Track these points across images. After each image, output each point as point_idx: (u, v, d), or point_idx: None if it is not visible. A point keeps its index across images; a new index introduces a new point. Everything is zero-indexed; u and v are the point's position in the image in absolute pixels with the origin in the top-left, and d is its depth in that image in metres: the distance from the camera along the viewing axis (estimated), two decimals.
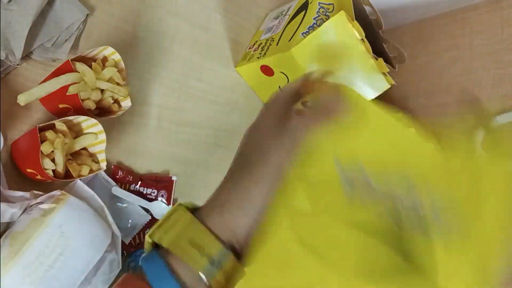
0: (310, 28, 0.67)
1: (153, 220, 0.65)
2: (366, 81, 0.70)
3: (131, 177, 0.64)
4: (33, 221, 0.48)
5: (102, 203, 0.55)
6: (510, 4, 0.87)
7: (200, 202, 0.76)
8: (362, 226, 0.40)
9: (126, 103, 0.59)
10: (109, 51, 0.56)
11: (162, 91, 0.70)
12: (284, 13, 0.78)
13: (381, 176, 0.41)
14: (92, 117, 0.54)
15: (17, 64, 0.55)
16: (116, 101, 0.59)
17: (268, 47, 0.73)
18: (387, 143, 0.45)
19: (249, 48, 0.79)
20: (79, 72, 0.53)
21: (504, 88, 0.84)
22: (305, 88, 0.47)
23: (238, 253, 0.34)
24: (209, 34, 0.77)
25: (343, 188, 0.41)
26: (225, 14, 0.79)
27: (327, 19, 0.67)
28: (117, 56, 0.57)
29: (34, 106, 0.56)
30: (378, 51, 0.74)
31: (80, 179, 0.55)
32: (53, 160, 0.51)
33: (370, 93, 0.71)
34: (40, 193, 0.52)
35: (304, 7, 0.72)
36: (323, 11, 0.69)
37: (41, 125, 0.51)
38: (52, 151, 0.51)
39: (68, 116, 0.53)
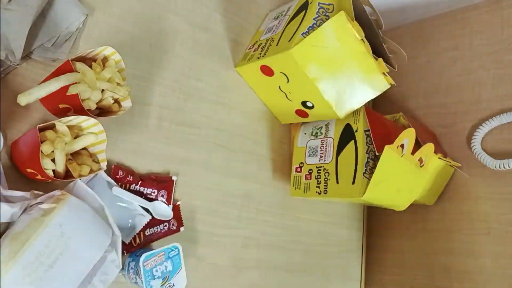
0: (310, 28, 0.67)
1: (153, 220, 0.65)
2: (366, 81, 0.71)
3: (131, 177, 0.64)
4: (33, 221, 0.48)
5: (102, 203, 0.55)
6: (510, 4, 0.87)
7: (200, 202, 0.77)
8: None
9: (126, 103, 0.59)
10: (109, 51, 0.56)
11: (162, 91, 0.70)
12: (284, 13, 0.78)
13: None
14: (92, 117, 0.54)
15: (17, 64, 0.55)
16: (116, 101, 0.59)
17: (268, 47, 0.73)
18: None
19: (249, 48, 0.79)
20: (79, 72, 0.53)
21: (504, 88, 0.84)
22: None
23: None
24: (209, 34, 0.77)
25: None
26: (225, 14, 0.79)
27: (327, 19, 0.67)
28: (117, 56, 0.57)
29: (34, 106, 0.56)
30: (378, 51, 0.74)
31: (80, 179, 0.55)
32: (53, 160, 0.51)
33: (370, 93, 0.72)
34: (40, 193, 0.52)
35: (304, 7, 0.72)
36: (323, 11, 0.70)
37: (41, 125, 0.51)
38: (52, 151, 0.51)
39: (68, 116, 0.53)
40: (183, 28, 0.73)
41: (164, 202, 0.67)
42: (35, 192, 0.52)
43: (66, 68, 0.53)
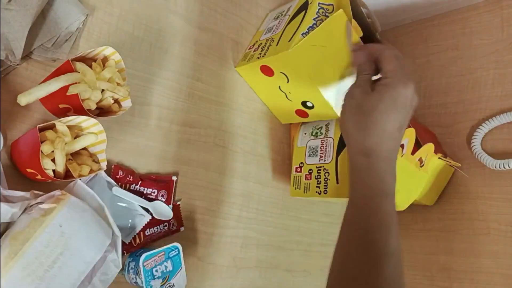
0: (310, 28, 0.68)
1: (153, 220, 0.65)
2: None
3: (131, 177, 0.64)
4: (33, 221, 0.48)
5: (102, 203, 0.55)
6: (510, 4, 0.87)
7: (200, 202, 0.77)
8: None
9: (126, 103, 0.59)
10: (109, 51, 0.56)
11: (162, 91, 0.70)
12: (284, 13, 0.78)
13: None
14: (92, 117, 0.54)
15: (17, 64, 0.55)
16: (116, 101, 0.59)
17: (268, 47, 0.73)
18: None
19: (249, 48, 0.79)
20: (79, 72, 0.53)
21: (504, 88, 0.84)
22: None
23: None
24: (209, 34, 0.77)
25: None
26: (225, 14, 0.79)
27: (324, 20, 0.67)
28: (117, 56, 0.57)
29: (34, 106, 0.56)
30: None
31: (80, 179, 0.55)
32: (53, 160, 0.51)
33: None
34: (40, 193, 0.52)
35: (304, 8, 0.72)
36: (323, 12, 0.70)
37: (41, 125, 0.51)
38: (52, 151, 0.51)
39: (68, 116, 0.53)
40: (183, 28, 0.73)
41: (164, 202, 0.67)
42: (35, 192, 0.52)
43: (66, 68, 0.53)
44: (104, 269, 0.53)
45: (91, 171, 0.55)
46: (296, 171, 0.81)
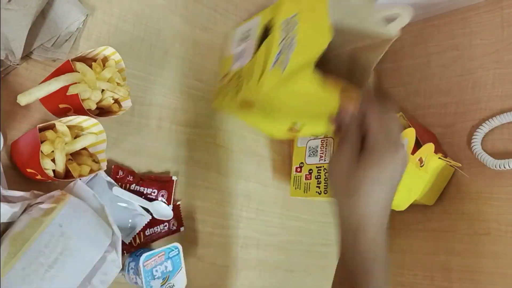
0: (278, 55, 0.61)
1: (153, 220, 0.65)
2: None
3: (131, 177, 0.64)
4: (33, 221, 0.48)
5: (102, 203, 0.55)
6: (510, 4, 0.87)
7: (200, 202, 0.77)
8: None
9: (126, 103, 0.59)
10: (109, 51, 0.56)
11: (162, 91, 0.70)
12: (249, 34, 0.73)
13: None
14: (92, 117, 0.54)
15: (17, 64, 0.55)
16: (116, 101, 0.59)
17: (240, 83, 0.68)
18: None
19: (222, 79, 0.75)
20: (79, 72, 0.53)
21: (504, 88, 0.84)
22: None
23: None
24: (209, 34, 0.77)
25: None
26: (225, 14, 0.79)
27: (293, 38, 0.60)
28: (117, 56, 0.57)
29: (34, 106, 0.56)
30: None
31: (80, 179, 0.55)
32: (53, 160, 0.51)
33: None
34: (40, 193, 0.52)
35: (268, 29, 0.68)
36: (287, 29, 0.63)
37: (41, 125, 0.51)
38: (52, 151, 0.51)
39: (68, 116, 0.53)
40: (183, 28, 0.73)
41: (164, 202, 0.67)
42: (35, 192, 0.52)
43: (66, 68, 0.53)
44: (104, 269, 0.53)
45: (91, 171, 0.55)
46: (296, 171, 0.81)
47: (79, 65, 0.54)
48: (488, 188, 0.82)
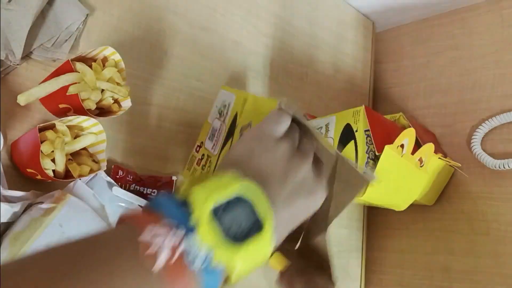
0: None
1: None
2: None
3: (131, 177, 0.64)
4: (33, 221, 0.48)
5: (102, 203, 0.55)
6: (510, 4, 0.87)
7: None
8: None
9: (126, 103, 0.59)
10: (109, 51, 0.56)
11: (162, 91, 0.70)
12: (224, 112, 0.68)
13: None
14: (92, 117, 0.54)
15: (17, 64, 0.55)
16: (116, 101, 0.59)
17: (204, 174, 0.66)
18: None
19: (196, 151, 0.71)
20: (79, 72, 0.53)
21: (504, 88, 0.84)
22: None
23: None
24: (209, 34, 0.77)
25: None
26: (225, 14, 0.79)
27: None
28: (117, 56, 0.57)
29: (34, 106, 0.56)
30: None
31: (80, 179, 0.55)
32: (53, 160, 0.51)
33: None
34: (40, 193, 0.52)
35: (232, 129, 0.64)
36: None
37: (41, 125, 0.51)
38: (52, 151, 0.51)
39: (68, 116, 0.53)
40: (183, 28, 0.73)
41: None
42: (35, 192, 0.52)
43: (66, 68, 0.53)
44: None
45: (91, 171, 0.55)
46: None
47: (79, 65, 0.54)
48: (488, 188, 0.82)
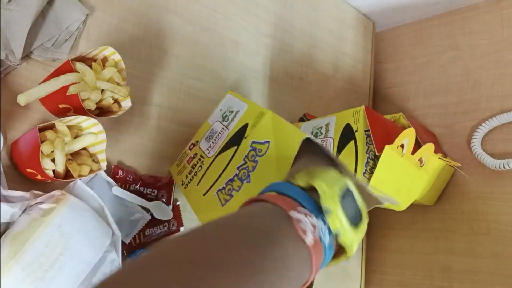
0: (228, 183, 0.58)
1: (153, 220, 0.65)
2: None
3: (131, 177, 0.64)
4: (33, 221, 0.48)
5: (102, 203, 0.55)
6: (510, 4, 0.87)
7: None
8: None
9: (126, 103, 0.59)
10: (109, 51, 0.56)
11: (162, 91, 0.70)
12: (229, 118, 0.66)
13: None
14: (92, 117, 0.54)
15: (17, 64, 0.55)
16: (116, 101, 0.59)
17: (193, 177, 0.65)
18: None
19: (189, 149, 0.69)
20: (79, 72, 0.53)
21: (504, 88, 0.84)
22: None
23: None
24: (209, 34, 0.77)
25: None
26: (225, 14, 0.79)
27: (252, 169, 0.56)
28: (117, 56, 0.57)
29: (34, 106, 0.56)
30: None
31: (80, 179, 0.55)
32: (53, 160, 0.51)
33: None
34: (40, 193, 0.52)
35: (238, 139, 0.61)
36: (252, 155, 0.57)
37: (41, 125, 0.51)
38: (52, 151, 0.51)
39: (68, 116, 0.53)
40: (183, 28, 0.73)
41: (164, 202, 0.67)
42: (35, 192, 0.52)
43: (66, 68, 0.53)
44: (104, 269, 0.53)
45: (91, 171, 0.55)
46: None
47: (79, 65, 0.53)
48: (488, 188, 0.82)
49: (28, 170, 0.52)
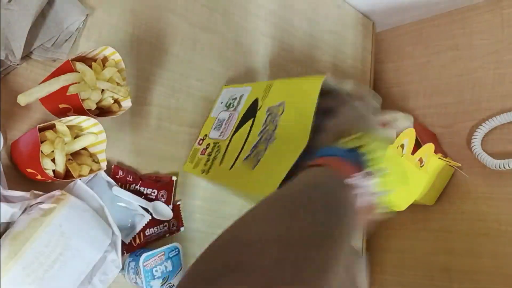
0: (253, 149, 0.58)
1: (153, 220, 0.65)
2: None
3: (131, 177, 0.64)
4: (33, 221, 0.48)
5: (102, 203, 0.55)
6: (510, 4, 0.87)
7: (200, 202, 0.76)
8: None
9: (126, 103, 0.59)
10: (109, 51, 0.56)
11: (162, 91, 0.70)
12: (234, 104, 0.68)
13: None
14: (92, 117, 0.54)
15: (17, 64, 0.55)
16: (116, 101, 0.59)
17: (212, 161, 0.65)
18: None
19: (199, 144, 0.71)
20: (79, 72, 0.53)
21: (504, 88, 0.84)
22: None
23: None
24: (209, 34, 0.77)
25: None
26: (225, 14, 0.79)
27: (273, 130, 0.56)
28: (117, 56, 0.57)
29: (34, 106, 0.56)
30: None
31: (80, 179, 0.55)
32: (53, 160, 0.51)
33: None
34: (40, 193, 0.52)
35: (252, 112, 0.63)
36: (271, 118, 0.58)
37: (41, 125, 0.51)
38: (52, 151, 0.51)
39: (68, 116, 0.53)
40: (183, 28, 0.73)
41: (164, 202, 0.67)
42: (35, 192, 0.52)
43: (66, 68, 0.53)
44: (104, 269, 0.53)
45: (91, 171, 0.55)
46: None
47: (79, 65, 0.53)
48: (488, 188, 0.82)
49: (28, 170, 0.52)
